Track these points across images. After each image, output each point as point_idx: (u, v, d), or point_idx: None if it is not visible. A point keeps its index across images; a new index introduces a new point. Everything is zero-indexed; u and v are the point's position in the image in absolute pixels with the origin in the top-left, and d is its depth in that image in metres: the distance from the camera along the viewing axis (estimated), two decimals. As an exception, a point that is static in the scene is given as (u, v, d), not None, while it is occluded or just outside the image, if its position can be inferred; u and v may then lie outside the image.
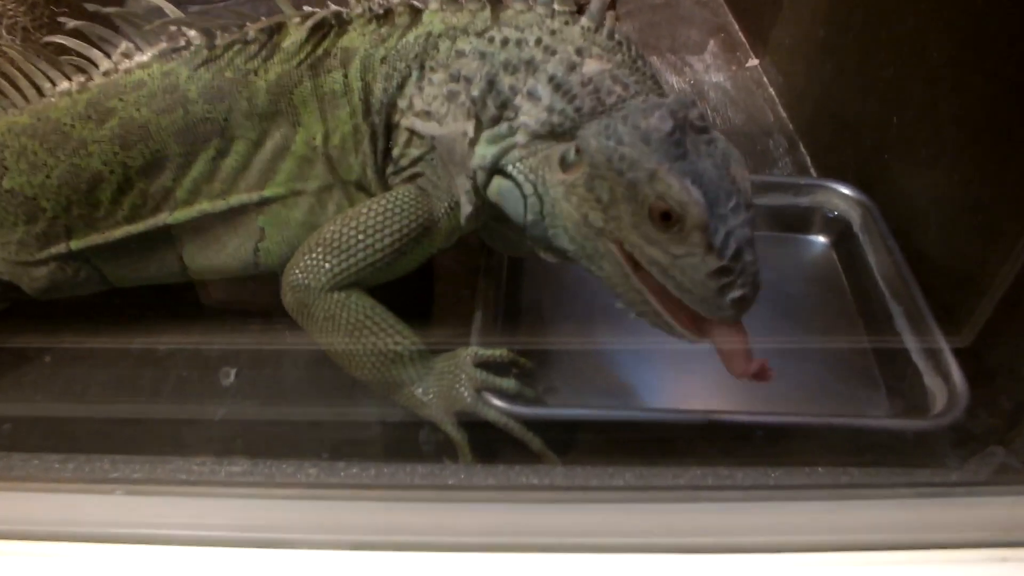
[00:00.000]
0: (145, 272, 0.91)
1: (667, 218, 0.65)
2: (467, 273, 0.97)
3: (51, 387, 0.94)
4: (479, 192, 0.77)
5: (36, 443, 0.87)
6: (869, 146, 1.09)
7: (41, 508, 0.72)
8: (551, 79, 0.73)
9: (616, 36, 0.76)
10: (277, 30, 0.81)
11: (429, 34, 0.78)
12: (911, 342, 0.87)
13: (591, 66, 0.73)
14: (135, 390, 0.94)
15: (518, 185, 0.74)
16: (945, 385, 0.81)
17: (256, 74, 0.80)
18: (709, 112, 1.40)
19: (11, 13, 1.20)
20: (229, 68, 0.80)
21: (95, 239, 0.86)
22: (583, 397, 0.87)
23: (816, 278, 1.04)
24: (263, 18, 0.81)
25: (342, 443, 0.86)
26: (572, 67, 0.73)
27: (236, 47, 0.81)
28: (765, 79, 1.49)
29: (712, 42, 1.62)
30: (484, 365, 0.80)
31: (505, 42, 0.75)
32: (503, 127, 0.75)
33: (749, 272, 0.66)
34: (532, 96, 0.73)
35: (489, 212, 0.80)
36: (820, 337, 0.94)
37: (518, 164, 0.74)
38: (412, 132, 0.79)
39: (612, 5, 1.69)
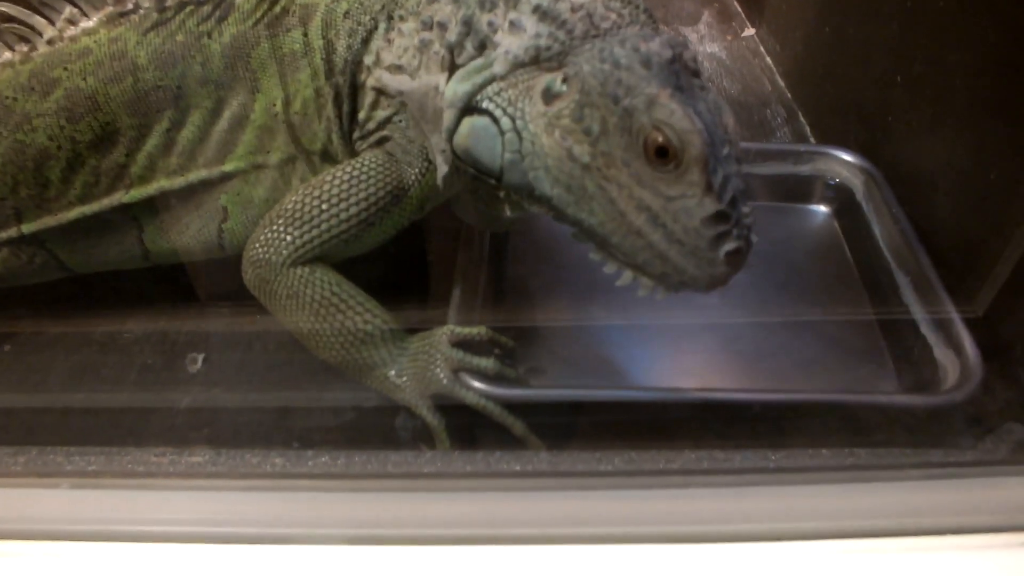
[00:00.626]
0: (104, 256, 0.86)
1: (663, 154, 0.59)
2: (447, 244, 0.91)
3: (9, 376, 0.90)
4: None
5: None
6: (872, 109, 1.03)
7: (-12, 504, 0.68)
8: (536, 8, 0.66)
9: None
10: None
11: None
12: (919, 313, 0.82)
13: None
14: (98, 378, 0.89)
15: (495, 120, 0.66)
16: (957, 358, 0.76)
17: (210, 36, 0.75)
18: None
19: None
20: (181, 31, 0.75)
21: (48, 221, 0.81)
22: (570, 377, 0.82)
23: (818, 249, 0.98)
24: None
25: (314, 431, 0.81)
26: None
27: (188, 8, 0.75)
28: (762, 48, 1.43)
29: (707, 13, 1.56)
30: (461, 344, 0.75)
31: None
32: (478, 61, 0.67)
33: (744, 224, 0.61)
34: (515, 27, 0.66)
35: (465, 174, 0.73)
36: (823, 310, 0.89)
37: (495, 98, 0.66)
38: (379, 92, 0.74)
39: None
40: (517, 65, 0.66)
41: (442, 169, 0.71)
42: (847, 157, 1.00)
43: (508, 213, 0.73)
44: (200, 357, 0.89)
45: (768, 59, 1.40)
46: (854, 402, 0.74)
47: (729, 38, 1.48)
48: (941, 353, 0.78)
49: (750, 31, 1.49)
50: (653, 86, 0.59)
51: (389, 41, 0.72)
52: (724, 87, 1.34)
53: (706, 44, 1.46)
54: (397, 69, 0.71)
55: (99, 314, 0.93)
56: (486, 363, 0.73)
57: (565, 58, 0.64)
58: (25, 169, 0.78)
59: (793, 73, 1.31)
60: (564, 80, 0.63)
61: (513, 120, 0.65)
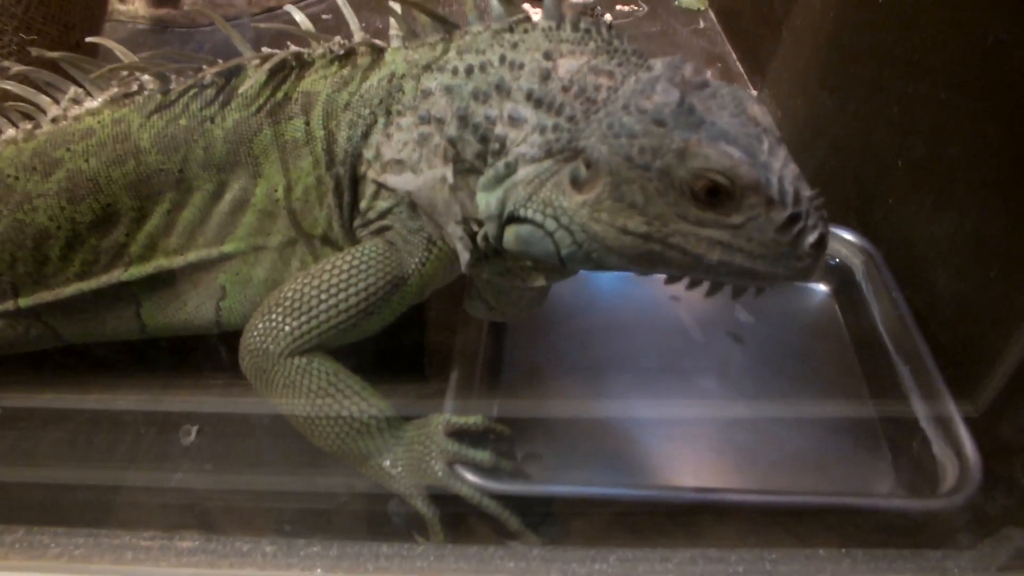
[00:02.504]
0: (101, 329, 0.85)
1: (714, 193, 0.59)
2: (446, 324, 0.91)
3: (-1, 443, 0.88)
4: (476, 239, 0.70)
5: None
6: (872, 188, 1.03)
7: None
8: (529, 95, 0.65)
9: (582, 24, 0.69)
10: (235, 73, 0.76)
11: (392, 75, 0.73)
12: (919, 407, 0.81)
13: (565, 66, 0.66)
14: (89, 448, 0.88)
15: (538, 226, 0.65)
16: (956, 458, 0.75)
17: (212, 121, 0.75)
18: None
19: (-23, 41, 1.16)
20: (184, 115, 0.75)
21: (45, 296, 0.81)
22: (566, 464, 0.81)
23: (816, 329, 0.98)
24: (220, 61, 0.76)
25: (306, 512, 0.79)
26: (546, 75, 0.66)
27: (192, 92, 0.75)
28: (764, 111, 1.43)
29: (709, 73, 1.56)
30: (457, 434, 0.74)
31: (469, 70, 0.68)
32: (499, 167, 0.66)
33: (815, 209, 0.60)
34: (514, 120, 0.66)
35: (493, 263, 0.73)
36: (820, 400, 0.88)
37: (528, 204, 0.65)
38: (381, 185, 0.73)
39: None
40: (534, 165, 0.65)
41: (464, 256, 0.71)
42: (848, 236, 1.00)
43: (552, 279, 0.73)
44: (194, 429, 0.88)
45: (770, 123, 1.40)
46: (852, 505, 0.73)
47: (731, 100, 1.48)
48: (940, 450, 0.77)
49: (752, 93, 1.49)
50: (677, 140, 0.59)
51: (388, 136, 0.72)
52: (726, 151, 1.34)
53: (708, 105, 1.46)
54: (398, 164, 0.71)
55: (93, 381, 0.92)
56: (482, 456, 0.72)
57: (577, 143, 0.63)
58: (24, 247, 0.78)
59: (794, 140, 1.30)
60: (587, 165, 0.63)
61: (557, 219, 0.64)
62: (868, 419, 0.86)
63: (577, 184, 0.63)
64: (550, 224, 0.65)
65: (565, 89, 0.65)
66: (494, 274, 0.75)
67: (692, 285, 0.66)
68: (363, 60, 0.75)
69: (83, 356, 0.91)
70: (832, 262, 1.01)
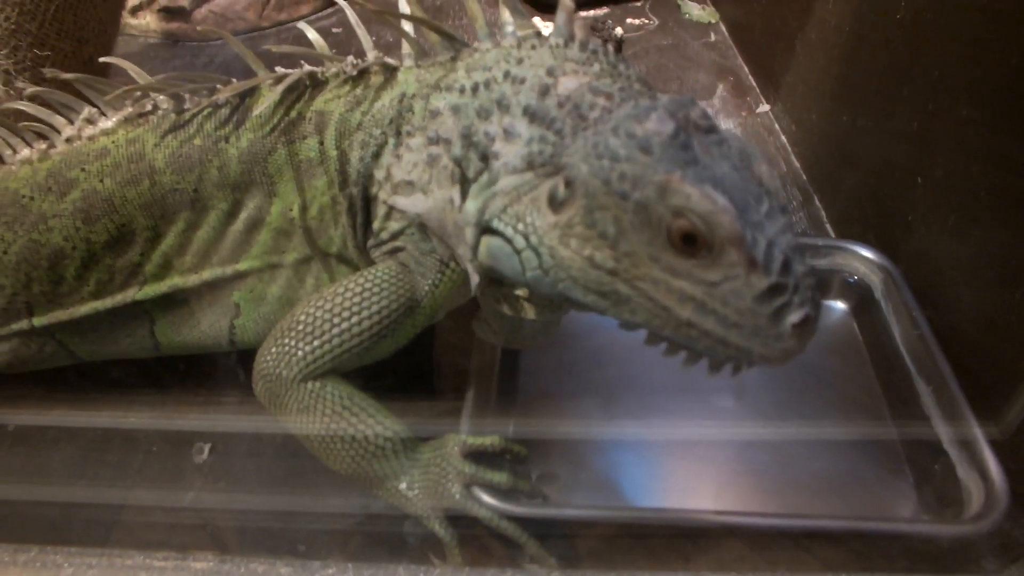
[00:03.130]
0: (115, 347, 0.85)
1: (691, 241, 0.54)
2: (461, 345, 0.90)
3: (10, 461, 0.88)
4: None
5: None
6: (891, 205, 1.02)
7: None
8: (526, 110, 0.63)
9: (590, 46, 0.68)
10: (249, 93, 0.75)
11: (403, 95, 0.72)
12: (942, 429, 0.80)
13: (565, 83, 0.63)
14: (101, 465, 0.87)
15: (507, 240, 0.62)
16: (982, 481, 0.73)
17: (227, 141, 0.75)
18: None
19: (-8, 56, 1.16)
20: (198, 135, 0.75)
21: (59, 315, 0.81)
22: (581, 485, 0.80)
23: (834, 348, 0.97)
24: (234, 80, 0.76)
25: (320, 533, 0.79)
26: (545, 91, 0.63)
27: (206, 112, 0.75)
28: (777, 126, 1.43)
29: (721, 86, 1.56)
30: (473, 455, 0.73)
31: (475, 88, 0.67)
32: (484, 176, 0.64)
33: (805, 286, 0.55)
34: (509, 134, 0.63)
35: (493, 288, 0.71)
36: (840, 419, 0.87)
37: (502, 216, 0.62)
38: (392, 207, 0.72)
39: (618, 47, 1.64)
40: (515, 175, 0.62)
41: (474, 279, 0.69)
42: (867, 253, 0.99)
43: (542, 316, 0.72)
44: (207, 447, 0.87)
45: (783, 137, 1.40)
46: (876, 530, 0.72)
47: (744, 113, 1.48)
48: (965, 473, 0.75)
49: (765, 107, 1.49)
50: (660, 172, 0.54)
51: (398, 156, 0.71)
52: (739, 166, 1.33)
53: (721, 119, 1.46)
54: (408, 186, 0.70)
55: (105, 399, 0.91)
56: (499, 477, 0.72)
57: (560, 159, 0.60)
58: (39, 267, 0.78)
59: (808, 155, 1.31)
60: (566, 184, 0.59)
61: (526, 238, 0.61)
62: (889, 440, 0.84)
63: (554, 203, 0.60)
64: (519, 241, 0.62)
65: (560, 105, 0.62)
66: (491, 300, 0.73)
67: (650, 341, 0.61)
68: (376, 79, 0.74)
69: (95, 374, 0.91)
70: (851, 280, 1.00)
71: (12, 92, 1.19)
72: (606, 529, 0.76)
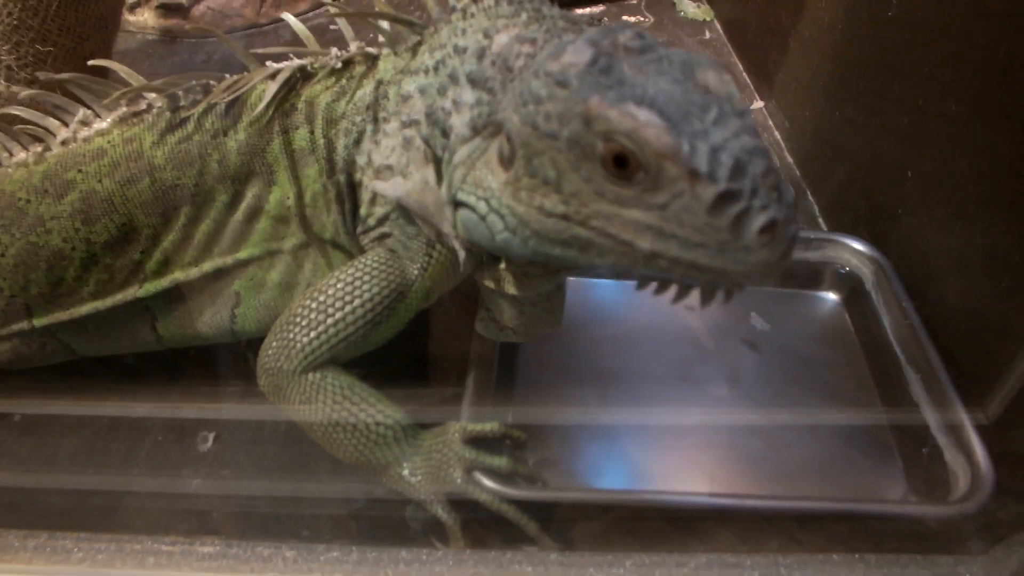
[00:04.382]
0: (116, 343, 0.86)
1: (624, 163, 0.52)
2: (461, 332, 0.91)
3: (18, 450, 0.89)
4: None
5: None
6: (881, 199, 1.04)
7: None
8: (467, 77, 0.64)
9: None
10: (243, 87, 0.76)
11: (380, 82, 0.74)
12: (930, 414, 0.82)
13: (498, 40, 0.64)
14: (107, 454, 0.89)
15: (472, 209, 0.62)
16: (968, 464, 0.76)
17: (226, 135, 0.76)
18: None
19: (-5, 51, 1.17)
20: (197, 131, 0.76)
21: (59, 316, 0.82)
22: (580, 470, 0.82)
23: (826, 337, 0.99)
24: (228, 75, 0.78)
25: (323, 518, 0.80)
26: (482, 53, 0.64)
27: (203, 108, 0.76)
28: (771, 122, 1.45)
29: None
30: (474, 441, 0.75)
31: (437, 67, 0.68)
32: (447, 152, 0.65)
33: (766, 185, 0.51)
34: (458, 105, 0.64)
35: (489, 268, 0.72)
36: (832, 406, 0.89)
37: (463, 185, 0.62)
38: (376, 192, 0.74)
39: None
40: (467, 145, 0.63)
41: (461, 255, 0.70)
42: (857, 246, 1.01)
43: (540, 288, 0.72)
44: (211, 436, 0.89)
45: (776, 133, 1.42)
46: (866, 511, 0.74)
47: (738, 110, 1.50)
48: (952, 457, 0.78)
49: (759, 104, 1.51)
50: (579, 103, 0.53)
51: (376, 142, 0.73)
52: (733, 161, 1.35)
53: (716, 115, 1.48)
54: (388, 170, 0.71)
55: (111, 388, 0.93)
56: (499, 462, 0.73)
57: (496, 116, 0.60)
58: (38, 269, 0.78)
59: (801, 151, 1.33)
60: (508, 139, 0.59)
61: (487, 202, 0.61)
62: (879, 427, 0.87)
63: (503, 161, 0.59)
64: (482, 207, 0.61)
65: (493, 63, 0.63)
66: (487, 283, 0.74)
67: (641, 285, 0.59)
68: (359, 69, 0.76)
69: (101, 364, 0.92)
70: (842, 271, 1.02)
71: (13, 89, 1.20)
72: (602, 513, 0.78)
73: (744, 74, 1.60)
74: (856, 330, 0.98)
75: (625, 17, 1.82)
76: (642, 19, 1.83)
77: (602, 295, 1.02)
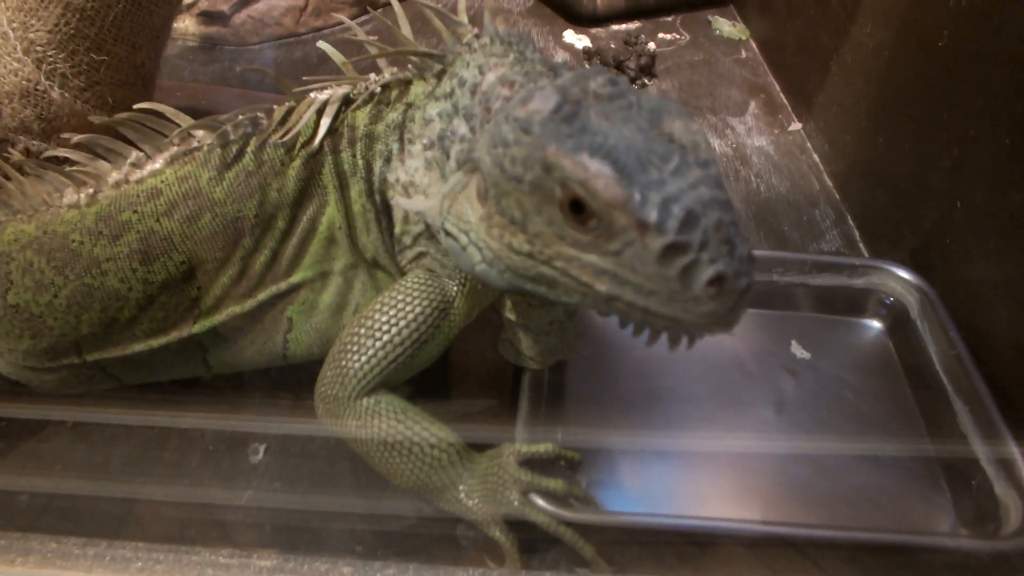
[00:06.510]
0: (166, 375, 0.88)
1: (580, 209, 0.55)
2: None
3: (71, 457, 0.90)
4: None
5: (51, 521, 0.83)
6: (928, 228, 1.04)
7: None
8: (463, 110, 0.68)
9: (507, 38, 0.71)
10: (297, 125, 0.77)
11: (409, 105, 0.76)
12: (979, 447, 0.82)
13: (488, 79, 0.67)
14: (159, 463, 0.90)
15: (454, 239, 0.66)
16: (1020, 498, 0.76)
17: (282, 163, 0.77)
18: (753, 178, 1.37)
19: (50, 59, 1.19)
20: (254, 163, 0.77)
21: (112, 352, 0.83)
22: (628, 492, 0.82)
23: (870, 366, 0.99)
24: (275, 107, 0.79)
25: (375, 534, 0.81)
26: (474, 89, 0.68)
27: (255, 140, 0.77)
28: (809, 145, 1.45)
29: (753, 103, 1.58)
30: (529, 463, 0.75)
31: (450, 94, 0.72)
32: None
33: (717, 239, 0.52)
34: (455, 135, 0.68)
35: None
36: (877, 436, 0.89)
37: (448, 215, 0.66)
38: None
39: (651, 62, 1.65)
40: (454, 176, 0.66)
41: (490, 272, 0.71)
42: (903, 274, 1.01)
43: (543, 317, 0.76)
44: (262, 448, 0.90)
45: (815, 156, 1.42)
46: (917, 544, 0.74)
47: (776, 131, 1.50)
48: (1002, 490, 0.78)
49: (796, 125, 1.51)
50: (540, 149, 0.56)
51: (402, 162, 0.75)
52: (772, 183, 1.36)
53: (753, 136, 1.48)
54: (412, 187, 0.73)
55: (161, 398, 0.94)
56: (555, 484, 0.74)
57: (473, 154, 0.63)
58: (91, 310, 0.79)
59: (842, 175, 1.33)
60: (483, 178, 0.62)
61: (467, 234, 0.64)
62: (926, 457, 0.87)
63: (480, 197, 0.63)
64: (462, 239, 0.65)
65: (480, 102, 0.66)
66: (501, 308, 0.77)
67: (622, 324, 0.60)
68: (394, 93, 0.77)
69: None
70: (887, 300, 1.02)
71: (67, 95, 1.22)
72: (655, 537, 0.78)
73: (781, 95, 1.61)
74: (900, 359, 0.99)
75: (661, 34, 1.83)
76: (677, 36, 1.83)
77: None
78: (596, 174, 0.53)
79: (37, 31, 1.16)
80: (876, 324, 1.03)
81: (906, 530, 0.78)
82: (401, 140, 0.75)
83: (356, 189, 0.78)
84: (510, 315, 0.78)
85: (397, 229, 0.78)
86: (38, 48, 1.18)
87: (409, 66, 0.78)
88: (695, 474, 0.85)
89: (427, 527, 0.81)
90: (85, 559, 0.73)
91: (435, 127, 0.72)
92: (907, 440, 0.88)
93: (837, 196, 1.31)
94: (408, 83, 0.77)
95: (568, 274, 0.58)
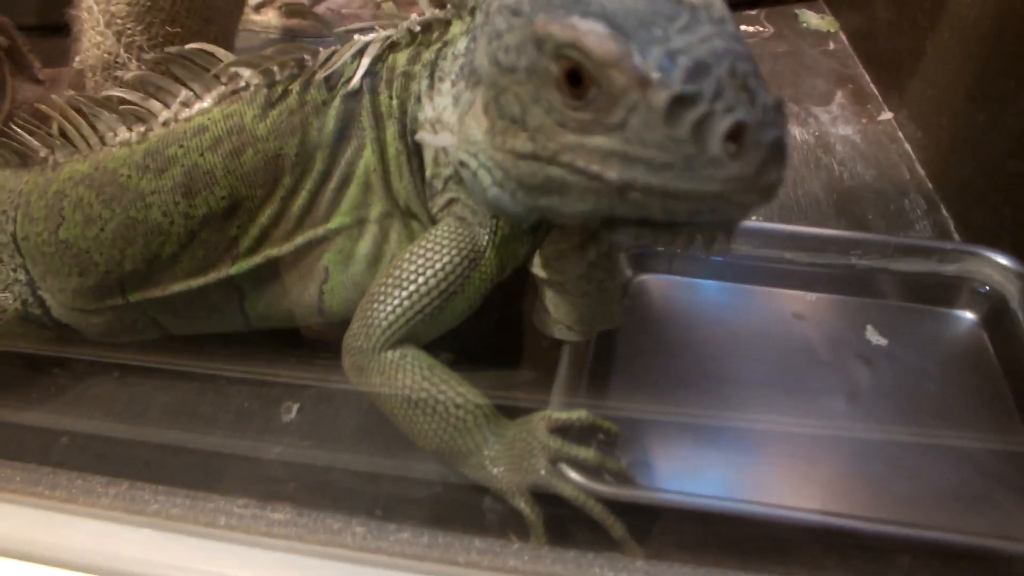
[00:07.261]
0: (205, 324, 0.87)
1: (577, 81, 0.50)
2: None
3: (113, 404, 0.91)
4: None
5: (87, 461, 0.84)
6: (1032, 211, 0.93)
7: (75, 535, 0.69)
8: (473, 32, 0.65)
9: None
10: (338, 62, 0.76)
11: (444, 43, 0.73)
12: (1087, 450, 0.71)
13: None
14: (194, 415, 0.89)
15: (466, 165, 0.63)
16: None
17: (324, 103, 0.76)
18: (836, 166, 1.27)
19: (128, 32, 1.23)
20: (297, 102, 0.76)
21: (153, 292, 0.83)
22: (676, 475, 0.75)
23: (960, 358, 0.88)
24: (320, 49, 0.78)
25: (399, 499, 0.77)
26: (487, 10, 0.64)
27: (299, 80, 0.77)
28: (900, 134, 1.34)
29: (839, 93, 1.49)
30: (560, 431, 0.70)
31: (475, 28, 0.68)
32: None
33: (733, 87, 0.45)
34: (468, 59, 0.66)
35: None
36: (964, 432, 0.79)
37: (459, 145, 0.64)
38: (437, 148, 0.73)
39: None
40: (462, 96, 0.63)
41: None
42: (1002, 260, 0.90)
43: (577, 267, 0.70)
44: (295, 407, 0.88)
45: (907, 145, 1.31)
46: (1005, 550, 0.64)
47: (864, 121, 1.40)
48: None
49: (887, 115, 1.40)
50: (530, 25, 0.52)
51: (431, 98, 0.72)
52: (857, 171, 1.26)
53: (838, 125, 1.39)
54: (440, 124, 0.70)
55: (203, 351, 0.93)
56: (586, 453, 0.68)
57: (474, 62, 0.61)
58: (134, 244, 0.80)
59: (935, 162, 1.22)
60: (484, 85, 0.59)
61: (476, 157, 0.61)
62: (1021, 456, 0.76)
63: (486, 109, 0.59)
64: (472, 163, 0.62)
65: (485, 13, 0.62)
66: (534, 268, 0.73)
67: (641, 237, 0.55)
68: (435, 35, 0.75)
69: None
70: (982, 289, 0.91)
71: (143, 66, 1.26)
72: (697, 522, 0.71)
73: (871, 84, 1.50)
74: (997, 354, 0.87)
75: (744, 27, 1.75)
76: (761, 29, 1.75)
77: (708, 297, 0.96)
78: (587, 31, 0.49)
79: (117, 4, 1.21)
80: (968, 314, 0.92)
81: (997, 536, 0.67)
82: (431, 77, 0.74)
83: (391, 131, 0.76)
84: (541, 272, 0.74)
85: (428, 172, 0.75)
86: (118, 21, 1.23)
87: (448, 5, 0.75)
88: (753, 461, 0.77)
89: (452, 494, 0.76)
90: (107, 497, 0.72)
91: (460, 61, 0.69)
92: (998, 438, 0.78)
93: (930, 185, 1.20)
94: (448, 23, 0.75)
95: (575, 167, 0.53)
